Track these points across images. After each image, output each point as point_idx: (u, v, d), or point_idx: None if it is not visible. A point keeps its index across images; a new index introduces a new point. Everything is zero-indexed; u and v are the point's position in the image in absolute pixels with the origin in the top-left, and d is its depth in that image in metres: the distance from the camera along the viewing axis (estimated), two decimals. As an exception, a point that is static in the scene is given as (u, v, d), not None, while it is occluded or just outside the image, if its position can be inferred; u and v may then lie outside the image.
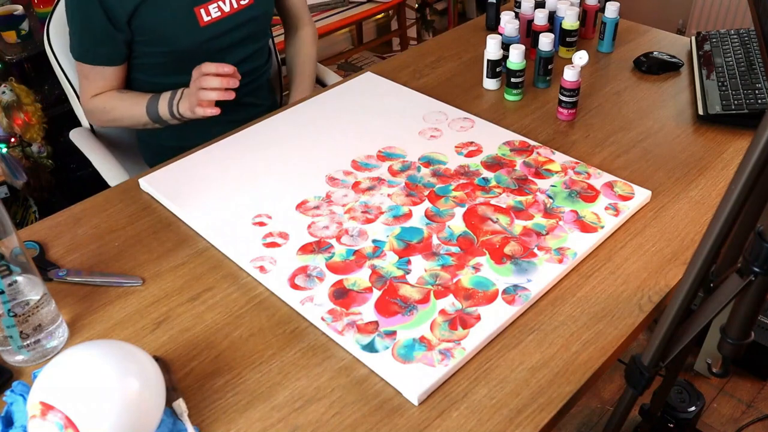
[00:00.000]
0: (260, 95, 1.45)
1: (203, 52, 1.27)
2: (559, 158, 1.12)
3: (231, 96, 1.14)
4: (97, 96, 1.30)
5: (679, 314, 0.74)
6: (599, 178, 1.07)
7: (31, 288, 0.81)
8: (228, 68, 1.13)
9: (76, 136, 1.46)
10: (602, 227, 0.97)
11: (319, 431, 0.74)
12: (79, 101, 1.52)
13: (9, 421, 0.74)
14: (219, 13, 1.25)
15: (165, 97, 1.24)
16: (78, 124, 1.50)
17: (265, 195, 1.06)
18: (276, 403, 0.77)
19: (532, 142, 1.16)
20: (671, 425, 1.50)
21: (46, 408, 0.64)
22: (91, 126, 1.48)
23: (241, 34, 1.31)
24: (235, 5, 1.27)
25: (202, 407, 0.77)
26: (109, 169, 1.36)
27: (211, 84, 1.13)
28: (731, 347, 0.77)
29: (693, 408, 1.49)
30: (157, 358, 0.80)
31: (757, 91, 1.21)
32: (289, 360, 0.82)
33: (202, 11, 1.24)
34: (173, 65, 1.28)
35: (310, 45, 1.54)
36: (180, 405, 0.75)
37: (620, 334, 0.83)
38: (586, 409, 1.70)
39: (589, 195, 1.04)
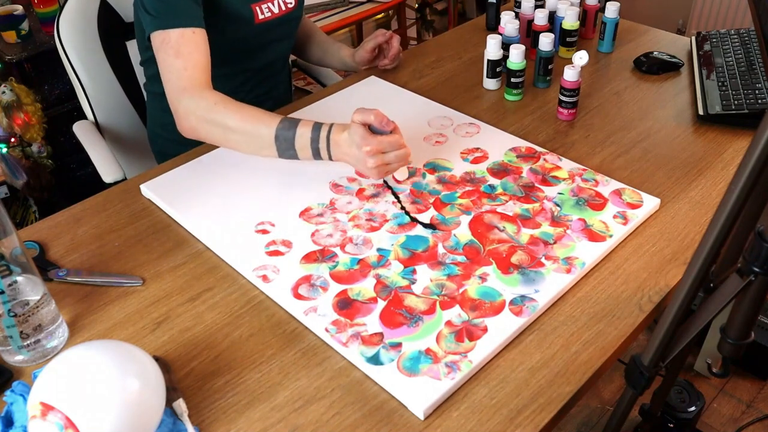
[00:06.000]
0: (281, 88, 1.48)
1: (249, 47, 1.31)
2: (566, 165, 1.11)
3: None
4: (201, 90, 1.11)
5: (679, 314, 0.74)
6: (607, 186, 1.06)
7: (31, 288, 0.80)
8: (397, 137, 1.03)
9: (79, 129, 1.46)
10: (611, 236, 0.96)
11: (319, 431, 0.74)
12: (86, 97, 1.52)
13: (9, 421, 0.74)
14: (270, 14, 1.28)
15: (304, 129, 1.05)
16: (81, 119, 1.51)
17: (267, 202, 1.05)
18: (276, 403, 0.77)
19: (538, 149, 1.14)
20: (671, 425, 1.50)
21: (46, 408, 0.64)
22: (95, 120, 1.48)
23: (277, 35, 1.34)
24: (283, 8, 1.31)
25: (202, 407, 0.77)
26: (106, 164, 1.35)
27: (396, 159, 1.03)
28: (731, 347, 0.77)
29: (693, 408, 1.49)
30: (157, 358, 0.80)
31: (757, 91, 1.21)
32: (289, 360, 0.82)
33: (258, 9, 1.26)
34: (214, 56, 1.26)
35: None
36: (180, 405, 0.75)
37: (620, 334, 0.83)
38: (586, 409, 1.70)
39: (597, 203, 1.02)
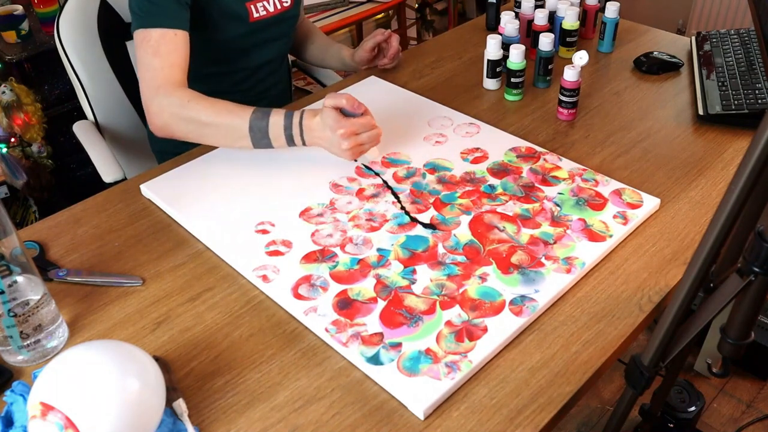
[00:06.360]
0: (279, 87, 1.49)
1: (244, 45, 1.31)
2: (566, 165, 1.11)
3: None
4: (175, 88, 1.12)
5: (679, 314, 0.74)
6: (607, 186, 1.06)
7: (31, 288, 0.80)
8: (369, 118, 1.08)
9: (79, 129, 1.46)
10: (610, 236, 0.96)
11: (319, 431, 0.74)
12: (85, 97, 1.51)
13: (9, 421, 0.74)
14: (265, 12, 1.29)
15: (277, 118, 1.08)
16: (81, 119, 1.51)
17: (267, 202, 1.05)
18: (276, 403, 0.77)
19: (538, 149, 1.15)
20: (671, 425, 1.50)
21: (46, 408, 0.64)
22: (95, 120, 1.48)
23: (274, 33, 1.35)
24: (279, 6, 1.31)
25: (202, 407, 0.77)
26: (106, 164, 1.35)
27: (369, 140, 1.09)
28: (731, 347, 0.77)
29: (693, 408, 1.49)
30: (157, 358, 0.80)
31: (757, 91, 1.21)
32: (289, 360, 0.82)
33: (253, 7, 1.27)
34: (205, 54, 1.28)
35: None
36: (180, 405, 0.75)
37: (620, 334, 0.83)
38: (586, 409, 1.70)
39: (597, 203, 1.02)
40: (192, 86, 1.21)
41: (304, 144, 1.09)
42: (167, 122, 1.13)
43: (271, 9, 1.29)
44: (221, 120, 1.09)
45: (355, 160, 1.12)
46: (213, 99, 1.12)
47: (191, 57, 1.26)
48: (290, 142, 1.09)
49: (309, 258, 0.95)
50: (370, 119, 1.07)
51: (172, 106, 1.11)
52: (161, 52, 1.12)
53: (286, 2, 1.32)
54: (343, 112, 1.06)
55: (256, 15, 1.27)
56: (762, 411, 1.68)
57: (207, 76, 1.32)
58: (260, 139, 1.09)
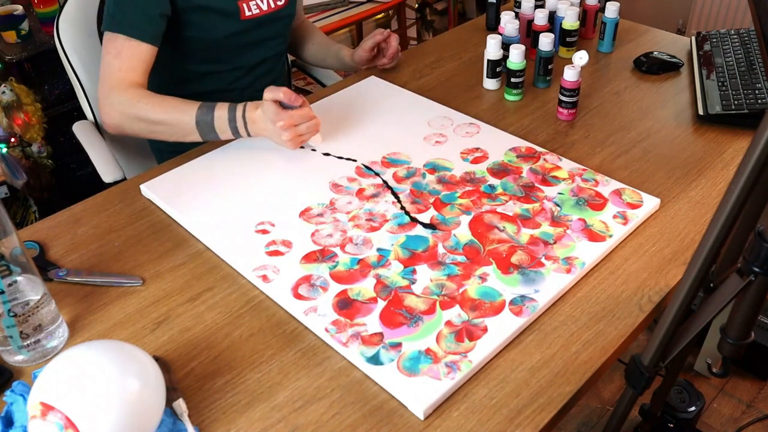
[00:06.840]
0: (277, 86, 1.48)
1: (238, 44, 1.31)
2: (566, 165, 1.11)
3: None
4: (127, 88, 1.16)
5: (679, 314, 0.74)
6: (607, 186, 1.06)
7: (31, 288, 0.81)
8: (307, 109, 1.13)
9: (79, 129, 1.46)
10: (610, 236, 0.96)
11: (319, 431, 0.74)
12: (85, 98, 1.52)
13: (9, 421, 0.74)
14: (258, 11, 1.29)
15: (221, 112, 1.12)
16: (81, 119, 1.50)
17: (267, 202, 1.05)
18: (276, 403, 0.77)
19: (538, 149, 1.15)
20: (671, 425, 1.50)
21: (46, 408, 0.64)
22: (95, 120, 1.48)
23: (268, 32, 1.35)
24: (272, 5, 1.31)
25: (202, 407, 0.77)
26: (106, 164, 1.35)
27: (308, 130, 1.14)
28: (731, 347, 0.77)
29: (693, 408, 1.49)
30: (157, 358, 0.80)
31: (757, 91, 1.21)
32: (289, 360, 0.82)
33: (244, 6, 1.27)
34: (199, 54, 1.29)
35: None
36: (180, 405, 0.75)
37: (620, 334, 0.83)
38: (586, 409, 1.70)
39: (597, 203, 1.02)
40: (188, 86, 1.22)
41: (249, 135, 1.14)
42: (118, 122, 1.18)
43: (264, 7, 1.29)
44: (169, 117, 1.14)
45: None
46: (163, 96, 1.15)
47: (187, 56, 1.26)
48: (236, 133, 1.14)
49: (309, 258, 0.95)
50: (308, 110, 1.12)
51: (123, 105, 1.15)
52: (123, 56, 1.17)
53: (281, 1, 1.32)
54: (283, 105, 1.10)
55: (248, 13, 1.27)
56: (762, 411, 1.68)
57: (203, 75, 1.32)
58: (207, 132, 1.14)
